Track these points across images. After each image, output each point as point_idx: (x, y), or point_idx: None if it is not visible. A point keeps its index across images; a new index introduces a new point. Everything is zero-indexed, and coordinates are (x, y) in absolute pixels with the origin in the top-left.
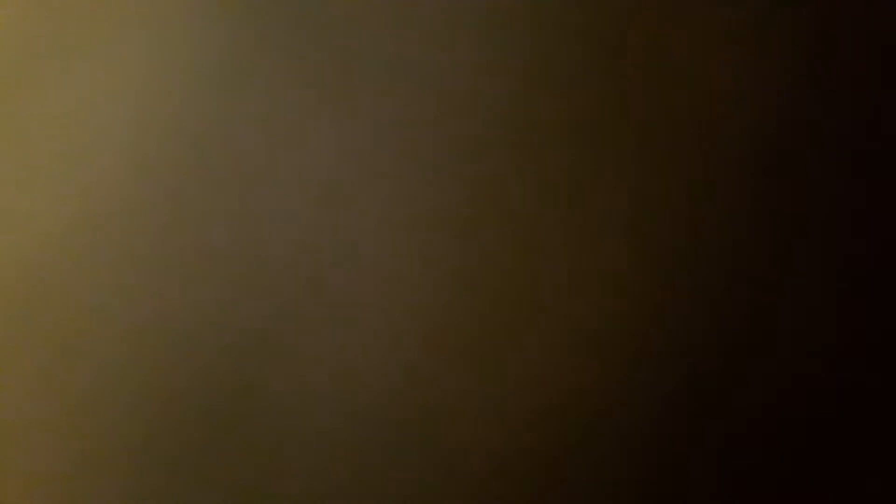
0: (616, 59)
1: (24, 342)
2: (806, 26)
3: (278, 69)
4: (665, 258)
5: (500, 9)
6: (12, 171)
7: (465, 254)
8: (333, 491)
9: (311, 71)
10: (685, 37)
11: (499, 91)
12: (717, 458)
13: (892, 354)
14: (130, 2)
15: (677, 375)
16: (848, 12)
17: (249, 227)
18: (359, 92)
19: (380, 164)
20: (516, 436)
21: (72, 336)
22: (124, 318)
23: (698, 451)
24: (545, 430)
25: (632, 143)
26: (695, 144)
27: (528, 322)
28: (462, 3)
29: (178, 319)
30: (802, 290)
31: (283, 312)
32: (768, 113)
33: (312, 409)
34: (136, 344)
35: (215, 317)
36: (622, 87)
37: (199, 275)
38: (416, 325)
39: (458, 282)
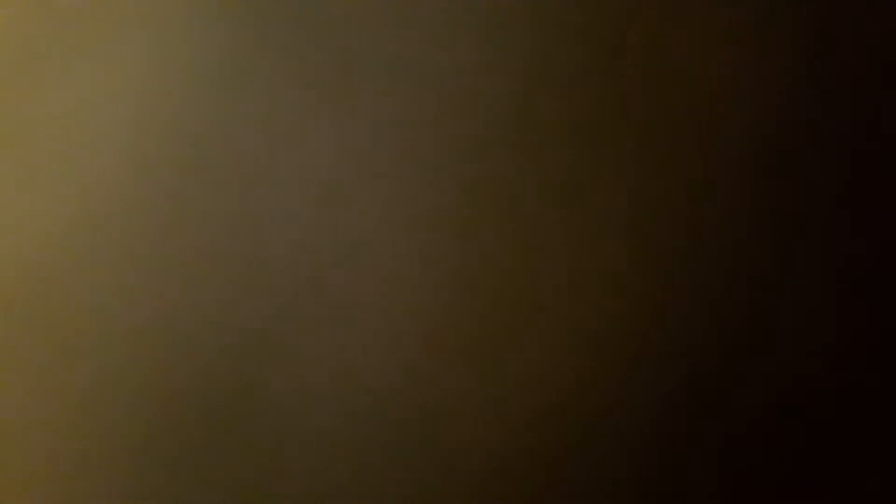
0: (616, 59)
1: (24, 342)
2: (806, 26)
3: (278, 69)
4: (665, 258)
5: (500, 9)
6: (12, 171)
7: (465, 254)
8: (333, 491)
9: (311, 71)
10: (685, 37)
11: (499, 91)
12: (717, 458)
13: (892, 354)
14: (130, 2)
15: (677, 375)
16: (848, 12)
17: (249, 227)
18: (359, 92)
19: (380, 164)
20: (516, 436)
21: (72, 336)
22: (124, 318)
23: (698, 451)
24: (545, 430)
25: (632, 143)
26: (695, 144)
27: (528, 322)
28: (462, 3)
29: (178, 319)
30: (802, 290)
31: (283, 312)
32: (768, 113)
33: (312, 409)
34: (136, 344)
35: (215, 317)
36: (622, 87)
37: (199, 275)
38: (416, 325)
39: (458, 282)
